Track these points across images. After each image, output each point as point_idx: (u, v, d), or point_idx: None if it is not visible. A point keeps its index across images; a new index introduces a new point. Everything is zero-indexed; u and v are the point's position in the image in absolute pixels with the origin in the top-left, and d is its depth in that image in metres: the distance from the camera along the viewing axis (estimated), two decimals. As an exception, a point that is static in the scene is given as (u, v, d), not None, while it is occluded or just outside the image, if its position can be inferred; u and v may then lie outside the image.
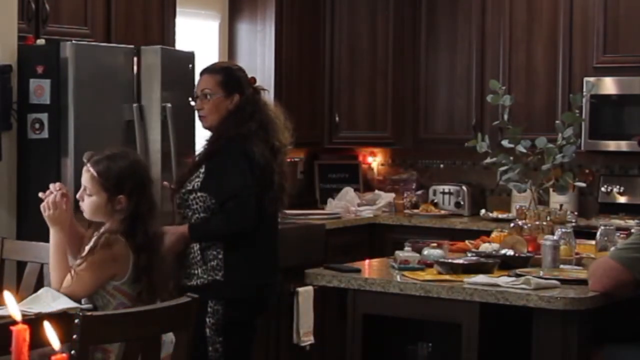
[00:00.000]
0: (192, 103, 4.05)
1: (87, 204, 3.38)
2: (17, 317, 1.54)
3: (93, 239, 3.36)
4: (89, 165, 3.38)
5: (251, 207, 3.82)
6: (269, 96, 4.23)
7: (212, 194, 3.87)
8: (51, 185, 3.41)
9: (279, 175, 3.94)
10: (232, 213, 3.83)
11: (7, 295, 1.59)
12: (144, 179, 3.41)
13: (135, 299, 3.28)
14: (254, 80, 4.08)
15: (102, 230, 3.37)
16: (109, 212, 3.35)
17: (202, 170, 3.90)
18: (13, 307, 1.56)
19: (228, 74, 4.01)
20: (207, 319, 3.83)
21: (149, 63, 4.75)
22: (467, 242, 4.56)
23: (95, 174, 3.34)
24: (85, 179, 3.38)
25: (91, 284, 3.26)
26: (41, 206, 3.39)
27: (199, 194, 3.89)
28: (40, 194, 3.41)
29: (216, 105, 3.95)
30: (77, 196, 3.41)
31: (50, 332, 1.51)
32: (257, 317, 4.09)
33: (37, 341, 1.65)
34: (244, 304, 3.91)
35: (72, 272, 3.27)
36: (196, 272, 3.90)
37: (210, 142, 3.99)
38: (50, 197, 3.38)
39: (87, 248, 3.35)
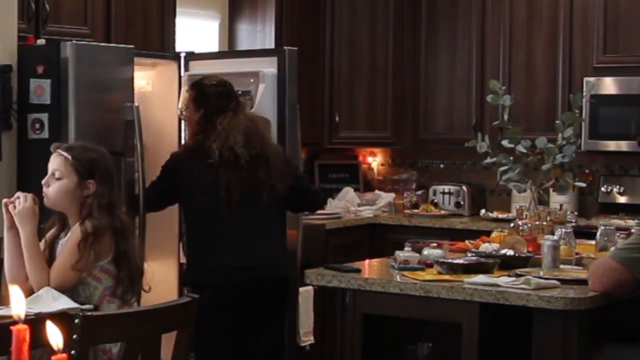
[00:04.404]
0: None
1: (55, 187, 3.43)
2: (22, 314, 1.54)
3: (75, 229, 3.38)
4: (60, 150, 3.48)
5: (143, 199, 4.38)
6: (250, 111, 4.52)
7: None
8: (18, 193, 3.47)
9: (227, 180, 4.07)
10: None
11: (15, 290, 1.58)
12: (112, 170, 3.54)
13: (118, 279, 3.37)
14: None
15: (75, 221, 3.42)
16: (76, 198, 3.42)
17: None
18: (20, 304, 1.56)
19: (197, 89, 4.27)
20: None
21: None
22: (467, 242, 4.55)
23: (69, 157, 3.43)
24: (56, 163, 3.45)
25: (82, 271, 3.33)
26: (10, 205, 3.40)
27: None
28: (5, 200, 3.43)
29: (188, 118, 4.31)
30: (43, 182, 3.47)
31: (53, 332, 1.51)
32: (230, 308, 4.12)
33: (37, 341, 1.65)
34: (202, 290, 3.86)
35: (69, 262, 3.32)
36: None
37: None
38: (19, 194, 3.44)
39: (68, 238, 3.39)
